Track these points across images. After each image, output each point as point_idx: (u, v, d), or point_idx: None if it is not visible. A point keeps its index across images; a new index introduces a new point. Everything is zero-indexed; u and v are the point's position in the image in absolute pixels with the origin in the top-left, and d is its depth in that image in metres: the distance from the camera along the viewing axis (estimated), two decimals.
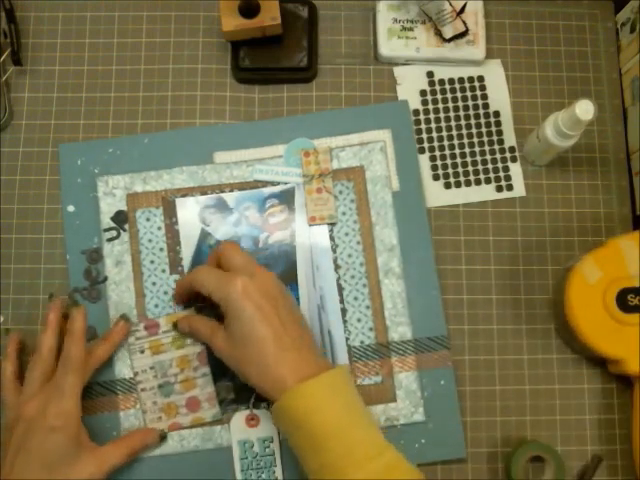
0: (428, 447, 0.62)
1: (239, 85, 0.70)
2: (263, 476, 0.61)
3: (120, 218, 0.66)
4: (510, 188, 0.69)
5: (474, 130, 0.70)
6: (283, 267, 0.65)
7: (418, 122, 0.69)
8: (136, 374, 0.63)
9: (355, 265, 0.65)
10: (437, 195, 0.68)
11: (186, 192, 0.66)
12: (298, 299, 0.64)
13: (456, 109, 0.70)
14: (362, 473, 0.50)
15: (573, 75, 0.71)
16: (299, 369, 0.54)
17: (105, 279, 0.65)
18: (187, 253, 0.65)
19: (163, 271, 0.65)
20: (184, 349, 0.63)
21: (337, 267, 0.65)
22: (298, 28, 0.69)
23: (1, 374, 0.59)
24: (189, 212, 0.66)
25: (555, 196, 0.69)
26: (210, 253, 0.62)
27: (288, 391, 0.52)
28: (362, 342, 0.64)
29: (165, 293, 0.64)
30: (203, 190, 0.66)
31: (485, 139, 0.70)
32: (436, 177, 0.68)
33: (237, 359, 0.56)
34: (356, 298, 0.65)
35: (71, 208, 0.66)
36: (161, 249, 0.65)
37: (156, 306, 0.64)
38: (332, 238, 0.66)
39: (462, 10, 0.69)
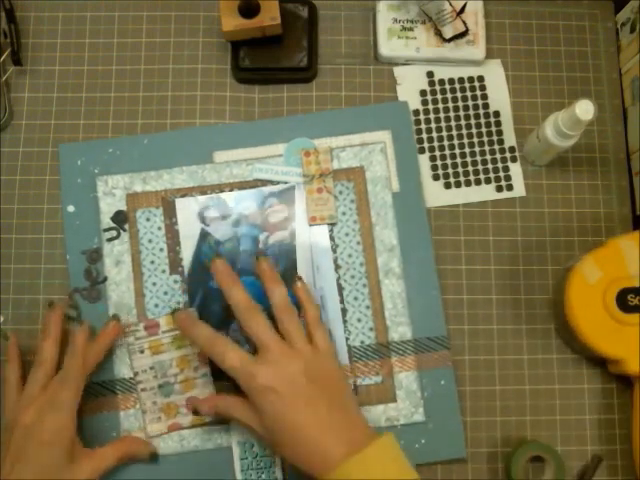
0: (428, 447, 0.62)
1: (239, 85, 0.70)
2: (263, 476, 0.61)
3: (120, 218, 0.66)
4: (510, 188, 0.69)
5: (474, 130, 0.70)
6: (283, 267, 0.65)
7: (418, 122, 0.69)
8: (136, 374, 0.63)
9: (355, 265, 0.65)
10: (437, 195, 0.68)
11: (186, 192, 0.66)
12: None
13: (456, 109, 0.70)
14: None
15: (573, 75, 0.71)
16: (348, 441, 0.52)
17: (105, 279, 0.65)
18: (187, 253, 0.65)
19: (163, 271, 0.65)
20: (184, 349, 0.63)
21: (337, 267, 0.65)
22: (298, 28, 0.69)
23: (5, 377, 0.60)
24: (189, 212, 0.66)
25: (555, 196, 0.69)
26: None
27: (340, 466, 0.50)
28: (362, 342, 0.64)
29: (165, 293, 0.64)
30: (203, 190, 0.66)
31: (485, 139, 0.70)
32: (436, 177, 0.68)
33: (270, 441, 0.55)
34: (356, 298, 0.65)
35: (71, 208, 0.66)
36: (161, 249, 0.65)
37: (156, 306, 0.64)
38: (332, 238, 0.66)
39: (462, 10, 0.69)
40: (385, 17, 0.70)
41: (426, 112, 0.70)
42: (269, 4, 0.66)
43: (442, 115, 0.70)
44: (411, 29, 0.70)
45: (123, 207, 0.66)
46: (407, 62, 0.70)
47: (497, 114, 0.70)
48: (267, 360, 0.54)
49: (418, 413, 0.63)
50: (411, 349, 0.64)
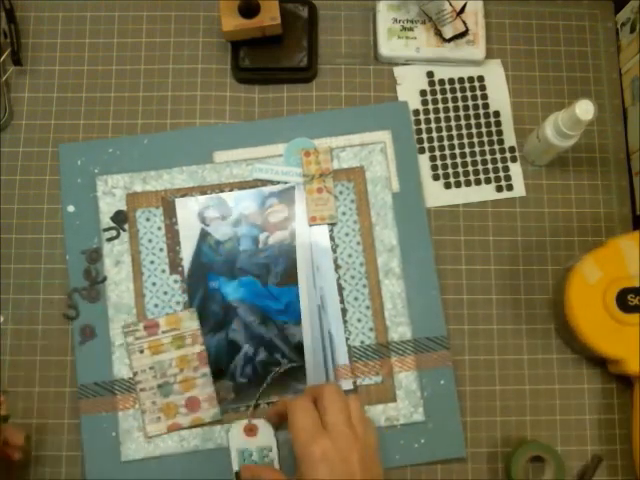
0: (428, 447, 0.62)
1: (239, 85, 0.70)
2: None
3: (120, 218, 0.66)
4: (510, 188, 0.69)
5: (474, 130, 0.70)
6: (283, 267, 0.65)
7: (418, 122, 0.69)
8: (135, 374, 0.63)
9: (355, 265, 0.65)
10: (437, 195, 0.68)
11: (186, 192, 0.66)
12: (298, 299, 0.64)
13: (456, 109, 0.70)
14: None
15: (573, 75, 0.71)
16: None
17: (105, 279, 0.65)
18: (187, 253, 0.65)
19: (163, 271, 0.65)
20: (184, 349, 0.63)
21: (337, 267, 0.65)
22: (298, 28, 0.69)
23: None
24: (189, 212, 0.66)
25: (555, 196, 0.69)
26: (309, 389, 0.57)
27: None
28: (362, 342, 0.64)
29: (165, 293, 0.64)
30: (203, 190, 0.66)
31: (485, 139, 0.70)
32: (436, 177, 0.68)
33: None
34: (356, 298, 0.65)
35: (71, 208, 0.66)
36: (161, 249, 0.65)
37: (156, 306, 0.64)
38: (332, 238, 0.66)
39: (462, 10, 0.69)
40: (385, 17, 0.70)
41: (426, 112, 0.70)
42: (269, 4, 0.66)
43: (442, 115, 0.70)
44: (411, 29, 0.70)
45: (123, 207, 0.66)
46: (407, 62, 0.70)
47: (497, 114, 0.70)
48: (326, 435, 0.53)
49: (418, 413, 0.63)
50: (411, 349, 0.64)
